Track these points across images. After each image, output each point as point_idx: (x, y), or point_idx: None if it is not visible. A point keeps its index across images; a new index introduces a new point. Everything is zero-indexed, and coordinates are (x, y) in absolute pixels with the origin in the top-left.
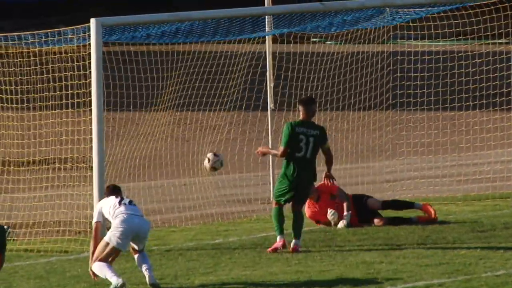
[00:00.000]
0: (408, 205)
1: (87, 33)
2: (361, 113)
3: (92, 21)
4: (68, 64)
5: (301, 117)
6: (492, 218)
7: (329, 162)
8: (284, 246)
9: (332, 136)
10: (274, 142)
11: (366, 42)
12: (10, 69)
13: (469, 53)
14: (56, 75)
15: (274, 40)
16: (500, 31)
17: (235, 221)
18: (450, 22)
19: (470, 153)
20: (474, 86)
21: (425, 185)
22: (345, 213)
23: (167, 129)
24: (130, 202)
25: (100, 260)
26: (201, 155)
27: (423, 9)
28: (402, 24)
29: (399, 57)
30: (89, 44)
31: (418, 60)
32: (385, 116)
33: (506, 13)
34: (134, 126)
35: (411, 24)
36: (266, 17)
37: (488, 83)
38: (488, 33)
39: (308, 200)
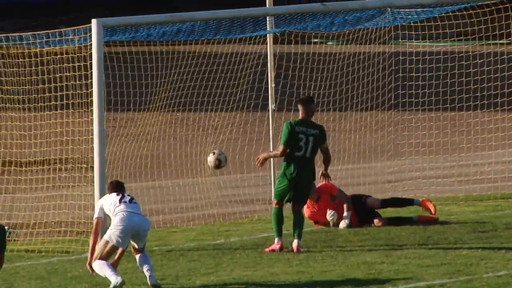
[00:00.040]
0: (408, 201)
1: (88, 34)
2: (363, 114)
3: (93, 21)
4: (69, 65)
5: (300, 116)
6: (493, 219)
7: (326, 162)
8: (281, 249)
9: (335, 136)
10: (275, 142)
11: (368, 42)
12: (12, 69)
13: (470, 53)
14: (57, 75)
15: (275, 41)
16: (501, 31)
17: (236, 222)
18: (451, 22)
19: (472, 153)
20: (475, 86)
21: (427, 185)
22: (345, 213)
23: (168, 130)
24: (131, 200)
25: (100, 259)
26: (202, 156)
27: (425, 9)
28: (404, 24)
29: (400, 57)
30: (90, 45)
31: (420, 60)
32: (386, 116)
33: (507, 13)
34: (135, 126)
35: (412, 24)
36: (268, 17)
37: (490, 84)
38: (489, 33)
39: (308, 201)
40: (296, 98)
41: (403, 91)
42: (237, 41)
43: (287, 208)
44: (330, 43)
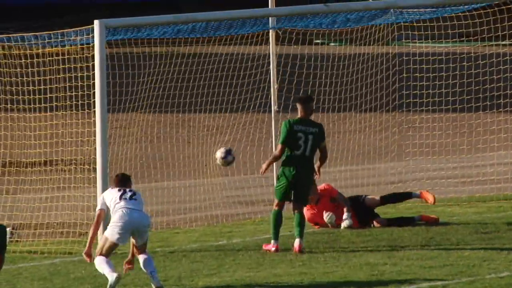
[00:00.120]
0: (406, 195)
1: (90, 35)
2: (366, 115)
3: (96, 22)
4: (72, 66)
5: (299, 115)
6: (496, 220)
7: (322, 160)
8: (277, 251)
9: (338, 137)
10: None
11: (371, 43)
12: (14, 70)
13: (473, 54)
14: (60, 76)
15: (278, 41)
16: (504, 32)
17: (239, 223)
18: (453, 23)
19: (474, 154)
20: (477, 87)
21: (430, 186)
22: (345, 215)
23: (170, 130)
24: (131, 196)
25: (101, 255)
26: (204, 157)
27: (428, 9)
28: (407, 24)
29: (404, 58)
30: (93, 46)
31: (424, 60)
32: (390, 117)
33: (510, 14)
34: (138, 127)
35: (415, 24)
36: (270, 18)
37: (492, 85)
38: (492, 34)
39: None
40: None
41: (407, 92)
42: (240, 42)
43: (289, 209)
44: (332, 44)
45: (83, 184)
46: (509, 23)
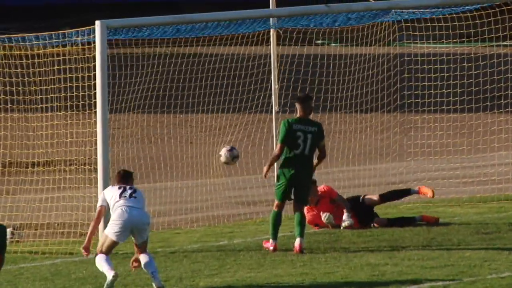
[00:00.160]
0: (405, 192)
1: (92, 35)
2: (368, 115)
3: (97, 23)
4: (73, 66)
5: (298, 114)
6: (497, 220)
7: (320, 158)
8: (274, 250)
9: (339, 138)
10: None
11: (372, 43)
12: (15, 71)
13: (473, 55)
14: (61, 76)
15: (279, 40)
16: (505, 33)
17: (240, 223)
18: (454, 24)
19: (475, 155)
20: (477, 88)
21: (431, 186)
22: (344, 215)
23: (172, 131)
24: (131, 194)
25: (101, 253)
26: (206, 157)
27: (428, 10)
28: (408, 25)
29: (406, 58)
30: (94, 46)
31: (425, 61)
32: (392, 117)
33: (511, 15)
34: (139, 128)
35: (416, 25)
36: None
37: (493, 85)
38: (493, 35)
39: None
40: None
41: (408, 92)
42: (241, 42)
43: (290, 209)
44: (333, 44)
45: (84, 185)
46: (510, 24)
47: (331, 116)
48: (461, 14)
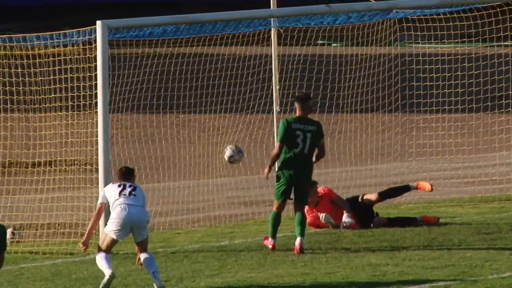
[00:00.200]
0: (404, 188)
1: (93, 35)
2: (369, 115)
3: (98, 23)
4: (74, 66)
5: (297, 113)
6: (498, 220)
7: (319, 157)
8: (273, 249)
9: (341, 138)
10: None
11: (373, 42)
12: (16, 71)
13: (473, 55)
14: (62, 76)
15: (280, 39)
16: (506, 33)
17: (241, 223)
18: (455, 24)
19: (476, 155)
20: (478, 88)
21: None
22: (344, 215)
23: (172, 131)
24: (131, 192)
25: (102, 250)
26: (206, 157)
27: (427, 10)
28: (409, 25)
29: (407, 58)
30: (95, 46)
31: (426, 61)
32: (393, 117)
33: None
34: (140, 128)
35: (417, 24)
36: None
37: (494, 85)
38: (494, 35)
39: (307, 207)
40: None
41: (410, 92)
42: (242, 43)
43: (290, 210)
44: (335, 44)
45: (85, 185)
46: (511, 24)
47: (332, 116)
48: (462, 14)
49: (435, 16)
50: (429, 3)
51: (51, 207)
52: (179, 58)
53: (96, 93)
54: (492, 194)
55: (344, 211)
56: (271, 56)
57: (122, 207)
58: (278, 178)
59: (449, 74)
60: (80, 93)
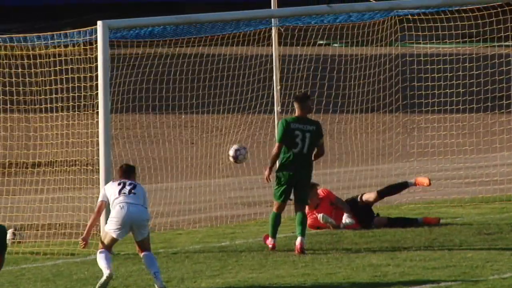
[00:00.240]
0: (402, 185)
1: (94, 36)
2: (370, 115)
3: (99, 23)
4: (75, 66)
5: (296, 113)
6: (499, 221)
7: (317, 155)
8: (273, 249)
9: (342, 138)
10: None
11: (374, 42)
12: (17, 71)
13: (474, 55)
14: (63, 77)
15: (280, 38)
16: (507, 33)
17: (242, 224)
18: (456, 24)
19: (477, 155)
20: (479, 88)
21: (433, 187)
22: (344, 216)
23: (174, 132)
24: (130, 191)
25: (103, 248)
26: (207, 158)
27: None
28: (410, 25)
29: (408, 58)
30: (96, 47)
31: (428, 61)
32: (394, 117)
33: None
34: (141, 128)
35: (419, 25)
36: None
37: (494, 86)
38: (495, 35)
39: (307, 209)
40: None
41: (411, 92)
42: (243, 43)
43: (290, 210)
44: (335, 45)
45: (86, 185)
46: (511, 24)
47: (333, 116)
48: (463, 14)
49: (436, 16)
50: (431, 3)
51: (52, 208)
52: (180, 59)
53: (97, 94)
54: (493, 195)
55: (344, 212)
56: (272, 56)
57: (121, 206)
58: (277, 179)
59: (450, 74)
60: (81, 93)
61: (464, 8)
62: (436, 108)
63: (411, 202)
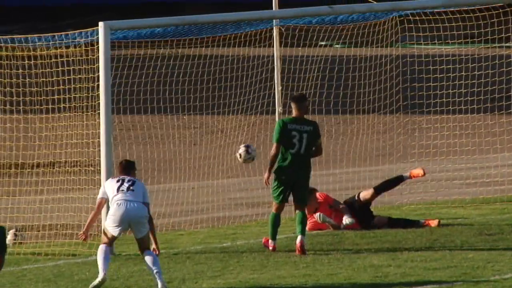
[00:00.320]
0: (398, 179)
1: (95, 37)
2: (371, 116)
3: (101, 24)
4: (76, 67)
5: (293, 114)
6: (500, 222)
7: (316, 155)
8: (273, 250)
9: (342, 139)
10: None
11: (375, 42)
12: (17, 71)
13: (476, 56)
14: (65, 78)
15: (282, 38)
16: (508, 34)
17: (243, 225)
18: (458, 24)
19: (478, 156)
20: (479, 89)
21: (434, 188)
22: (344, 217)
23: (175, 132)
24: (129, 187)
25: (104, 243)
26: (209, 159)
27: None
28: (411, 26)
29: (408, 59)
30: (97, 48)
31: (429, 62)
32: (395, 118)
33: None
34: (143, 129)
35: (420, 25)
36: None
37: (494, 87)
38: (496, 36)
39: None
40: None
41: (412, 93)
42: (245, 44)
43: (291, 211)
44: (336, 46)
45: (88, 186)
46: None
47: (335, 117)
48: (464, 15)
49: (437, 17)
50: (432, 4)
51: (53, 208)
52: (181, 61)
53: (98, 94)
54: (494, 196)
55: (344, 213)
56: (273, 56)
57: (119, 203)
58: (275, 179)
59: (452, 75)
60: (83, 94)
61: (466, 8)
62: (438, 108)
63: (412, 202)
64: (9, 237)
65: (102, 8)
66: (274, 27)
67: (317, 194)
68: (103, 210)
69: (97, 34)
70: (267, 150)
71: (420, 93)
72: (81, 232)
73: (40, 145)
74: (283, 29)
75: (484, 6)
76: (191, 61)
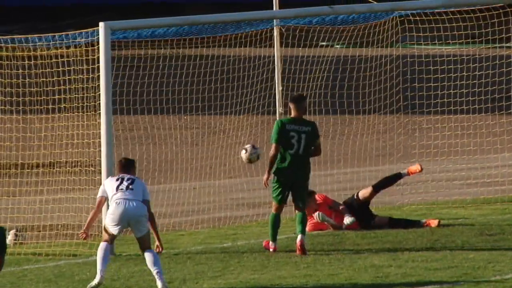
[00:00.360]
0: (396, 176)
1: (96, 37)
2: (371, 116)
3: (101, 24)
4: (77, 67)
5: (292, 114)
6: (501, 222)
7: (315, 155)
8: (274, 251)
9: (343, 139)
10: None
11: (375, 43)
12: (17, 72)
13: (477, 56)
14: (65, 78)
15: (282, 39)
16: (509, 34)
17: (243, 225)
18: (459, 25)
19: (479, 156)
20: (480, 89)
21: (435, 188)
22: (345, 217)
23: (176, 133)
24: (128, 186)
25: (105, 241)
26: (210, 159)
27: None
28: (412, 26)
29: (409, 59)
30: (98, 48)
31: (430, 62)
32: (395, 118)
33: None
34: (144, 129)
35: (420, 26)
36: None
37: (494, 87)
38: (496, 36)
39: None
40: None
41: (412, 93)
42: (245, 44)
43: (292, 211)
44: (337, 46)
45: (88, 186)
46: None
47: (335, 117)
48: (465, 15)
49: (437, 17)
50: (433, 4)
51: (53, 209)
52: (182, 61)
53: (99, 95)
54: (495, 196)
55: (344, 214)
56: (274, 57)
57: (118, 202)
58: (274, 180)
59: (453, 75)
60: (83, 94)
61: (466, 9)
62: (439, 109)
63: (413, 203)
64: (10, 238)
65: (102, 8)
66: (274, 27)
67: (316, 196)
68: (103, 209)
69: (98, 34)
70: (268, 151)
71: (421, 93)
72: (82, 231)
73: (40, 145)
74: (283, 29)
75: (484, 6)
76: (192, 62)
